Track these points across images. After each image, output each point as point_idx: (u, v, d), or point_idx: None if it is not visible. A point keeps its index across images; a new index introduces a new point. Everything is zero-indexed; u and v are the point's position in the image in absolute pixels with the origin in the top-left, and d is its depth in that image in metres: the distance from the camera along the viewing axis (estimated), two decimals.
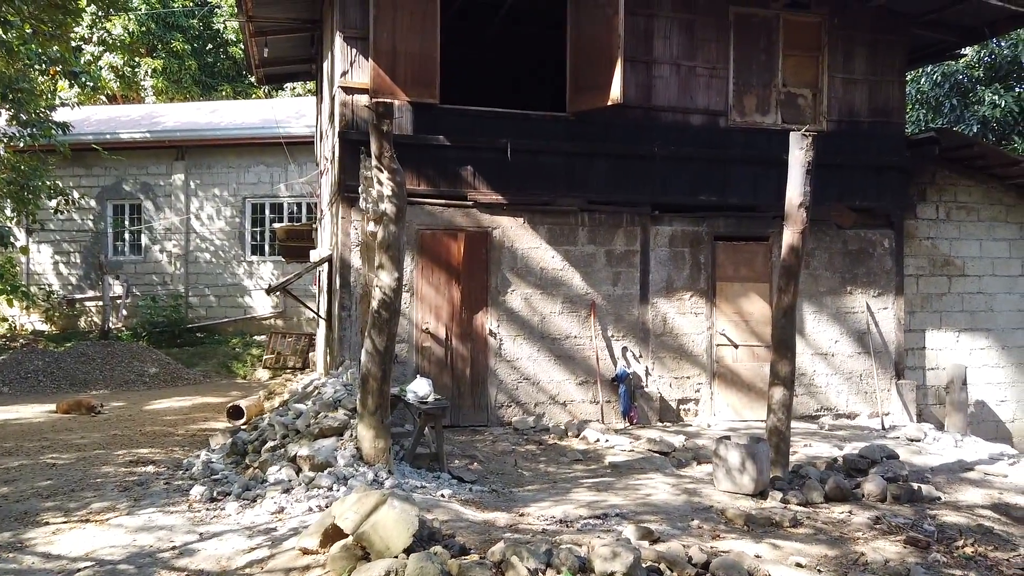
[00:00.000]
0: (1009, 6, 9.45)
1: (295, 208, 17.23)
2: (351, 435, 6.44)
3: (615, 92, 8.71)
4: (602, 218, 9.56)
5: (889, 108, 10.33)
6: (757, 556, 4.82)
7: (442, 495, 6.01)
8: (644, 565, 4.11)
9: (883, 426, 9.66)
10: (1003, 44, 12.90)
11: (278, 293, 14.58)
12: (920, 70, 14.13)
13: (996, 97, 12.60)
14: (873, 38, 10.21)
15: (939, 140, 10.12)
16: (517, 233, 9.31)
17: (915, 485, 6.93)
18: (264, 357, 15.24)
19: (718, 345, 9.92)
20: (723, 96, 9.85)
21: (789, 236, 7.01)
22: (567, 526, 5.39)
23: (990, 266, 10.76)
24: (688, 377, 9.85)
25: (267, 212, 17.25)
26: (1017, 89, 12.44)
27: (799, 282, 10.00)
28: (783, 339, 7.16)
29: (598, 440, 8.59)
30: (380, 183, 6.26)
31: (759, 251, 10.00)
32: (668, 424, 9.63)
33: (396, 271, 6.19)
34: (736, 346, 9.94)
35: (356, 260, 8.74)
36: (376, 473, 6.04)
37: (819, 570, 4.68)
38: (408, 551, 3.92)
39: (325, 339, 11.06)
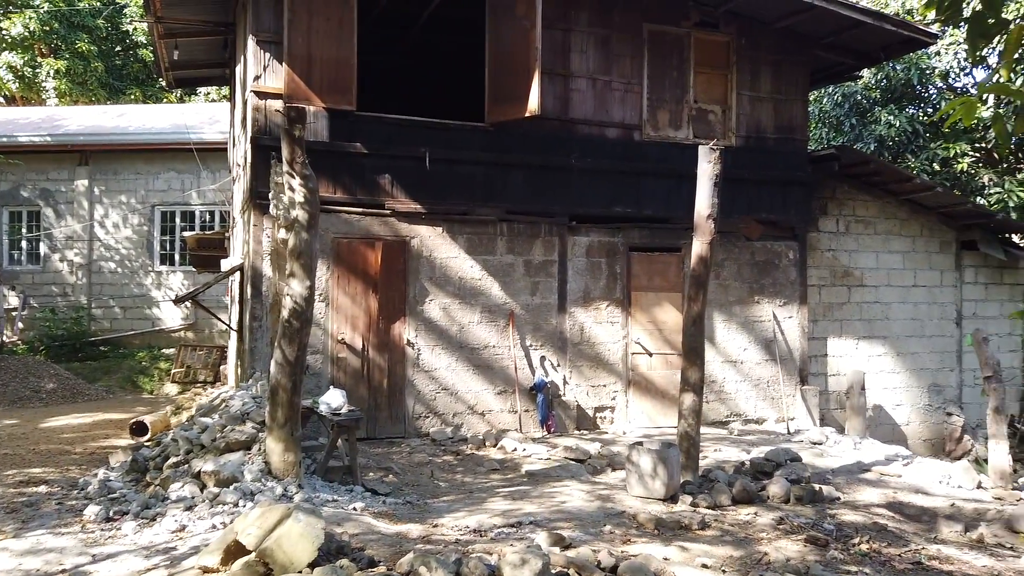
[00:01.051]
0: (901, 31, 10.06)
1: (207, 216, 16.67)
2: (259, 449, 6.24)
3: (533, 104, 8.81)
4: (520, 228, 9.63)
5: (793, 125, 10.81)
6: (666, 559, 4.92)
7: (354, 508, 5.89)
8: (554, 571, 4.13)
9: (788, 430, 10.04)
10: (898, 67, 13.71)
11: (188, 304, 14.05)
12: (822, 90, 14.87)
13: (891, 117, 13.38)
14: (778, 58, 10.69)
15: (839, 157, 10.65)
16: (436, 242, 9.27)
17: (816, 486, 7.22)
18: (173, 371, 14.63)
19: (633, 353, 10.12)
20: (637, 110, 10.10)
21: (698, 246, 7.22)
22: (481, 536, 5.37)
23: (886, 276, 11.37)
24: (604, 385, 10.00)
25: (177, 220, 16.61)
26: (910, 110, 13.24)
27: (708, 291, 10.34)
28: (693, 346, 7.35)
29: (515, 449, 8.61)
30: (292, 189, 6.13)
31: (672, 262, 10.27)
32: (585, 432, 9.74)
33: (308, 279, 6.05)
34: (650, 354, 10.16)
35: (268, 269, 8.51)
36: (285, 488, 5.88)
37: (723, 570, 4.81)
38: (313, 565, 3.82)
39: (236, 351, 10.71)
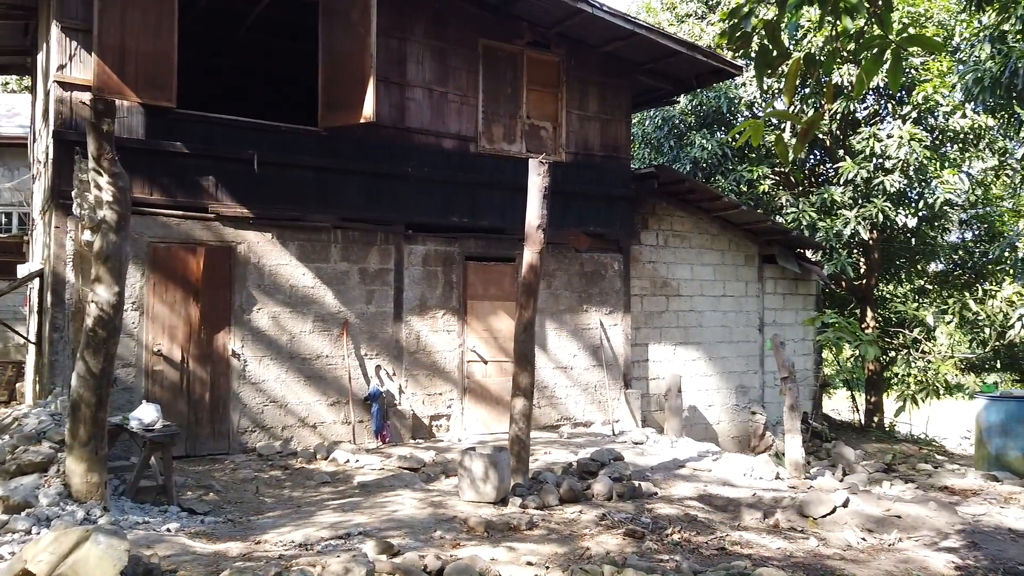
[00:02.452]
0: (711, 62, 10.99)
1: (3, 218, 14.99)
2: (58, 470, 5.69)
3: (368, 110, 8.74)
4: (356, 236, 9.48)
5: (618, 144, 11.47)
6: (493, 559, 5.02)
7: (167, 529, 5.52)
8: None
9: (613, 432, 10.59)
10: (710, 95, 14.95)
11: None
12: (644, 113, 15.91)
13: (704, 141, 14.56)
14: (604, 81, 11.31)
15: (658, 175, 11.43)
16: (265, 249, 8.92)
17: (636, 483, 7.66)
18: None
19: (469, 361, 10.25)
20: (473, 123, 10.29)
21: (528, 256, 7.46)
22: (307, 549, 5.21)
23: (699, 287, 12.32)
24: (441, 393, 10.05)
25: None
26: (720, 135, 14.46)
27: (540, 300, 10.66)
28: (524, 353, 7.57)
29: (348, 461, 8.43)
30: (99, 188, 5.67)
31: (507, 271, 10.53)
32: (421, 441, 9.72)
33: (116, 285, 5.62)
34: (486, 362, 10.34)
35: (71, 274, 7.79)
36: (88, 511, 5.39)
37: (547, 567, 4.98)
38: None
39: (35, 366, 9.69)
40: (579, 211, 10.96)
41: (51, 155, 8.05)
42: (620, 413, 11.21)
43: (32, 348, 10.09)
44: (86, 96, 7.80)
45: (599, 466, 8.13)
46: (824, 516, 7.12)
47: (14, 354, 14.22)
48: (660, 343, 11.90)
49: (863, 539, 6.66)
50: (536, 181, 7.43)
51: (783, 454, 10.39)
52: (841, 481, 9.74)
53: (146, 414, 6.45)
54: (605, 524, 6.37)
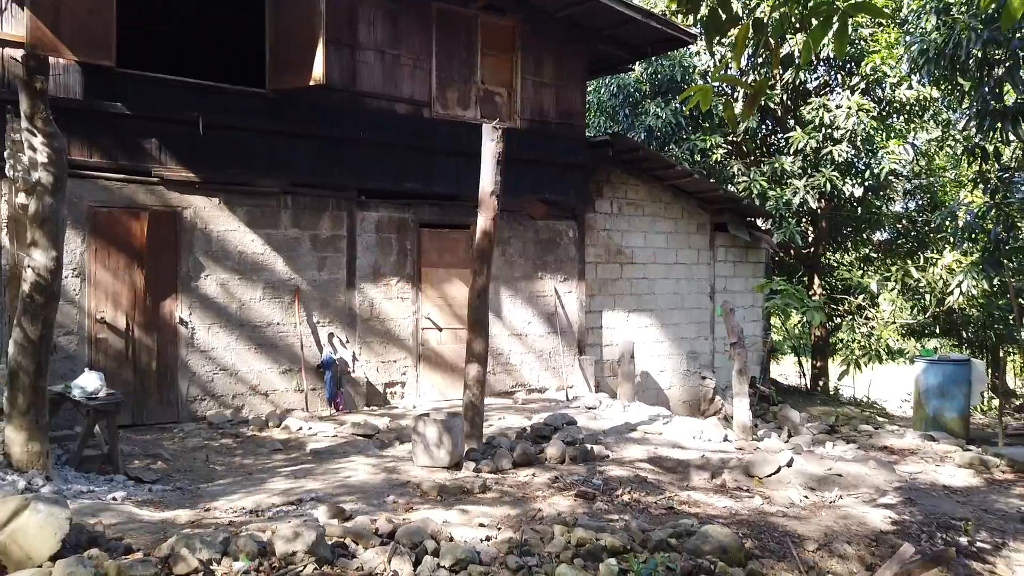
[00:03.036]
0: (665, 29, 10.98)
1: None
2: None
3: (317, 72, 8.53)
4: (307, 201, 9.31)
5: (573, 112, 11.43)
6: (446, 522, 5.06)
7: (113, 498, 5.43)
8: (330, 541, 4.10)
9: (567, 397, 10.71)
10: (664, 63, 14.97)
11: None
12: (600, 81, 15.86)
13: (659, 109, 14.61)
14: (559, 47, 11.22)
15: (613, 143, 11.45)
16: (212, 214, 8.70)
17: (589, 446, 7.77)
18: None
19: (424, 329, 10.22)
20: (427, 87, 10.13)
21: (482, 222, 7.42)
22: (258, 516, 5.18)
23: (652, 255, 12.45)
24: (395, 361, 10.01)
25: None
26: (675, 104, 14.53)
27: (496, 268, 10.65)
28: (477, 319, 7.58)
29: (301, 429, 8.37)
30: (33, 149, 5.44)
31: (461, 239, 10.48)
32: (375, 408, 9.70)
33: (53, 249, 5.43)
34: (440, 329, 10.32)
35: (7, 239, 7.50)
36: (30, 480, 5.26)
37: (499, 528, 5.05)
38: (56, 558, 3.47)
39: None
40: (534, 178, 10.92)
41: None
42: (574, 379, 11.34)
43: None
44: (18, 53, 7.44)
45: (552, 430, 8.23)
46: (769, 476, 7.34)
47: None
48: (614, 310, 12.02)
49: (806, 497, 6.89)
50: (490, 147, 7.37)
51: (732, 417, 10.66)
52: (786, 442, 10.06)
53: (89, 382, 6.29)
54: (557, 486, 6.46)
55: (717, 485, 7.18)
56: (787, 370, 22.57)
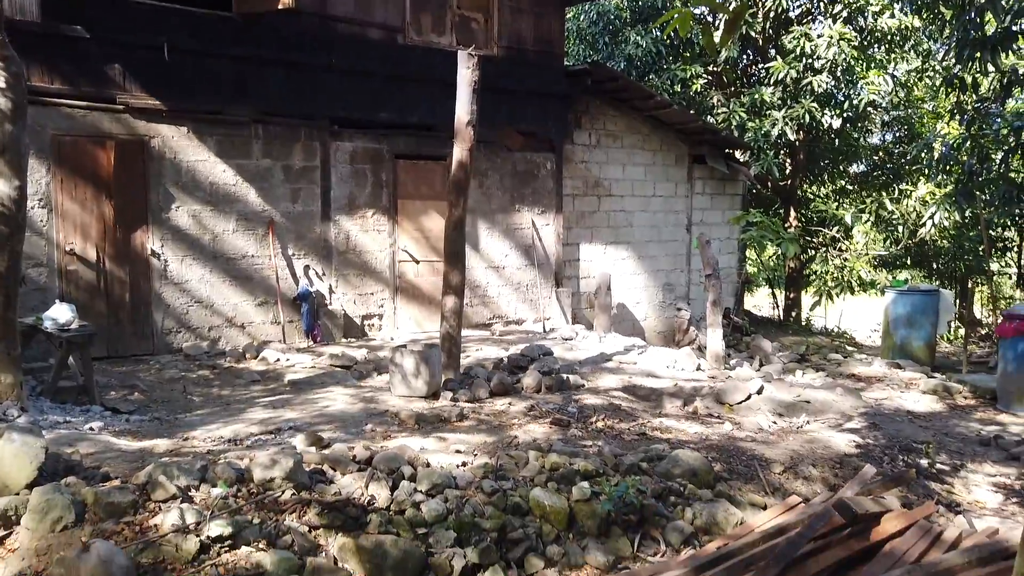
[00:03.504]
0: None
1: None
2: None
3: None
4: (278, 131, 9.10)
5: (551, 39, 11.16)
6: (423, 449, 5.16)
7: (91, 428, 5.45)
8: (308, 468, 4.16)
9: (544, 329, 10.82)
10: None
11: None
12: (580, 8, 15.43)
13: (639, 38, 14.30)
14: None
15: (592, 72, 11.23)
16: (181, 144, 8.48)
17: (565, 376, 7.89)
18: None
19: (400, 261, 10.18)
20: (400, 12, 9.81)
21: (458, 153, 7.32)
22: (236, 444, 5.23)
23: (630, 187, 12.40)
24: (372, 293, 10.00)
25: None
26: (656, 32, 14.22)
27: (472, 200, 10.57)
28: (454, 251, 7.56)
29: (278, 360, 8.40)
30: None
31: (438, 170, 10.34)
32: (353, 340, 9.73)
33: (17, 179, 5.28)
34: (417, 262, 10.29)
35: None
36: (4, 412, 5.26)
37: (475, 454, 5.15)
38: (32, 486, 3.50)
39: None
40: (512, 108, 10.73)
41: None
42: (551, 311, 11.42)
43: None
44: None
45: (529, 361, 8.33)
46: (740, 403, 7.53)
47: None
48: (591, 243, 12.03)
49: (774, 423, 7.10)
50: (465, 75, 7.21)
51: (705, 347, 10.86)
52: (758, 371, 10.28)
53: (60, 313, 6.23)
54: (533, 415, 6.58)
55: (689, 412, 7.36)
56: (762, 302, 22.90)
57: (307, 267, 9.44)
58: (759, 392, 7.76)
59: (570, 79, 11.29)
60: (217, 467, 3.93)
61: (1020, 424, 7.86)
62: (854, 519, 3.53)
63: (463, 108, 7.23)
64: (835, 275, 14.40)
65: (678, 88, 14.37)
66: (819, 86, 13.39)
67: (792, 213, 16.59)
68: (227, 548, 3.37)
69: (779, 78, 13.82)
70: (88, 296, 7.99)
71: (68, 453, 4.32)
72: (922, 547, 3.55)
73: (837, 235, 15.16)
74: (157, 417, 6.27)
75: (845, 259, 14.63)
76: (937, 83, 14.20)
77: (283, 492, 3.79)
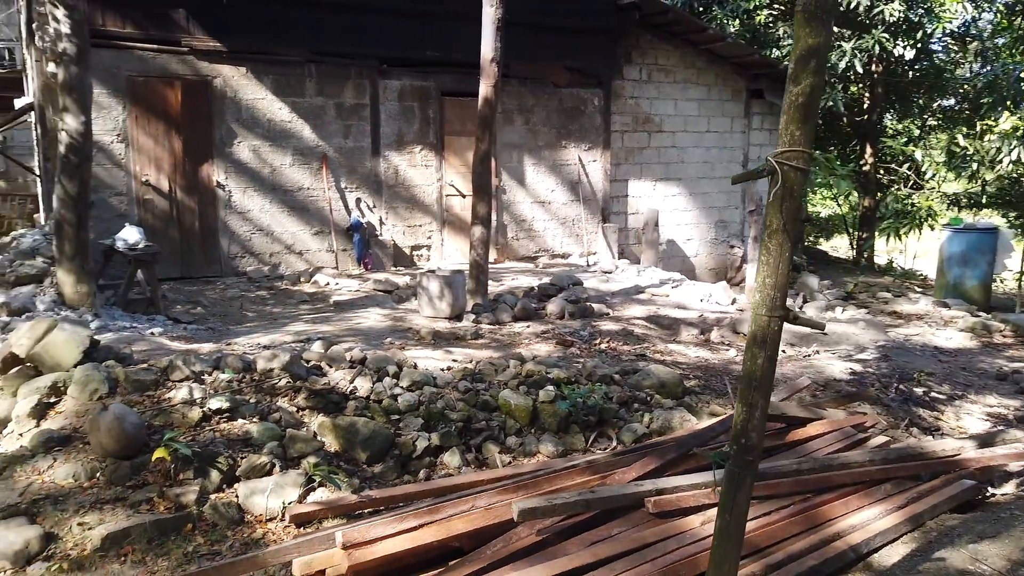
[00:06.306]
0: None
1: (7, 53, 15.25)
2: (51, 282, 6.46)
3: None
4: (330, 70, 9.69)
5: None
6: (427, 357, 5.74)
7: (151, 333, 6.32)
8: (308, 364, 4.83)
9: (587, 263, 11.18)
10: None
11: None
12: None
13: None
14: None
15: (640, 6, 11.18)
16: (241, 83, 9.22)
17: (590, 305, 8.29)
18: None
19: (447, 195, 10.72)
20: None
21: (484, 89, 7.70)
22: (267, 349, 5.98)
23: (683, 123, 12.39)
24: (420, 225, 10.62)
25: None
26: None
27: (518, 135, 10.94)
28: (481, 184, 8.01)
29: (328, 284, 9.18)
30: (56, 20, 5.99)
31: None
32: (401, 268, 10.42)
33: (83, 115, 6.09)
34: (464, 196, 10.79)
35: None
36: (80, 316, 6.19)
37: (471, 362, 5.70)
38: (78, 365, 4.30)
39: (43, 195, 10.40)
40: (558, 44, 10.91)
41: None
42: (597, 246, 11.73)
43: (38, 180, 10.76)
44: None
45: (557, 290, 8.77)
46: None
47: (32, 188, 15.00)
48: (640, 179, 12.18)
49: (783, 351, 7.31)
50: (489, 12, 7.53)
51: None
52: (800, 308, 10.34)
53: (130, 235, 7.13)
54: (545, 336, 7.06)
55: (702, 340, 7.64)
56: (842, 243, 22.26)
57: (359, 200, 10.13)
58: None
59: (619, 13, 11.30)
60: (229, 358, 4.64)
61: None
62: None
63: (487, 45, 7.57)
64: (905, 212, 13.94)
65: (740, 20, 14.02)
66: (891, 15, 12.79)
67: (868, 149, 16.02)
68: (225, 419, 4.08)
69: (850, 7, 13.26)
70: (162, 223, 8.96)
71: (122, 348, 5.15)
72: (837, 447, 3.86)
73: (908, 172, 14.61)
74: (211, 327, 7.14)
75: (914, 198, 14.12)
76: (1018, 9, 13.26)
77: (280, 380, 4.47)
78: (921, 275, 16.16)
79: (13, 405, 4.08)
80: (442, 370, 5.22)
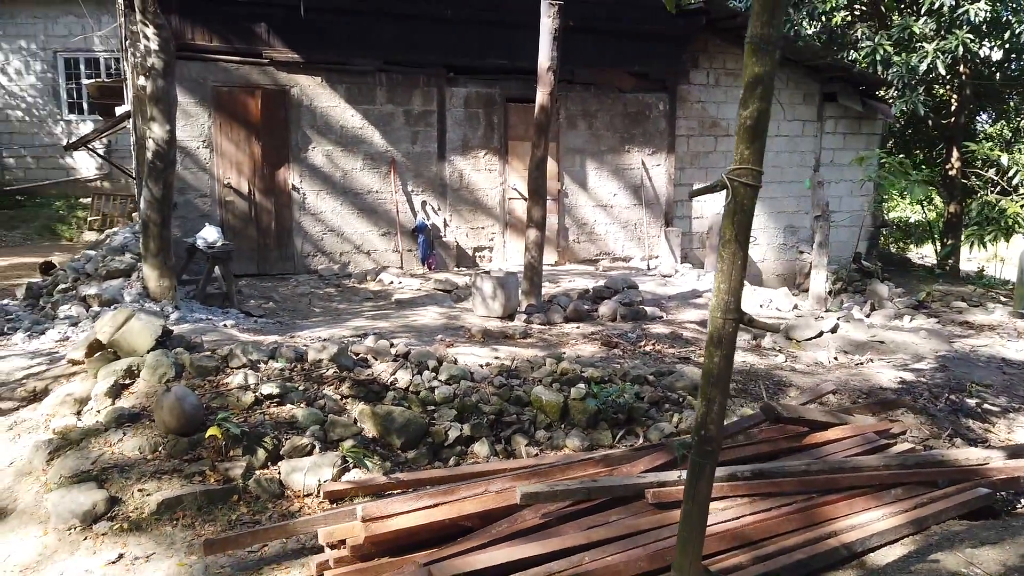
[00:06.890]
0: None
1: (113, 63, 16.51)
2: (138, 276, 7.09)
3: None
4: (399, 78, 10.14)
5: None
6: (471, 354, 6.02)
7: (224, 324, 6.86)
8: (355, 356, 5.19)
9: (648, 267, 11.25)
10: None
11: (94, 152, 14.34)
12: None
13: None
14: None
15: (708, 10, 11.18)
16: (316, 91, 9.78)
17: (643, 308, 8.41)
18: (90, 219, 15.10)
19: (510, 199, 11.01)
20: None
21: (540, 96, 7.95)
22: (327, 342, 6.40)
23: None
24: (483, 227, 10.95)
25: (82, 67, 16.44)
26: None
27: (581, 140, 11.13)
28: (536, 188, 8.26)
29: (392, 283, 9.62)
30: (147, 38, 6.60)
31: None
32: (464, 269, 10.77)
33: (168, 123, 6.67)
34: (526, 199, 11.03)
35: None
36: (162, 308, 6.79)
37: (510, 359, 5.94)
38: (151, 351, 4.79)
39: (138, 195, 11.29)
40: (622, 50, 11.03)
41: (121, 5, 9.04)
42: (660, 250, 11.77)
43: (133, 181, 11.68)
44: None
45: (612, 292, 8.90)
46: (809, 339, 7.70)
47: (132, 188, 16.19)
48: (705, 183, 12.10)
49: (835, 359, 7.24)
50: (547, 23, 7.76)
51: (830, 293, 10.76)
52: (868, 316, 10.12)
53: (209, 234, 7.73)
54: (592, 337, 7.23)
55: (753, 345, 7.64)
56: (930, 250, 21.36)
57: (424, 202, 10.54)
58: (833, 331, 7.87)
59: (685, 18, 11.31)
60: (283, 348, 5.06)
61: None
62: (776, 419, 3.94)
63: (544, 54, 7.81)
64: (990, 219, 13.33)
65: (817, 23, 13.74)
66: (976, 15, 12.29)
67: (955, 153, 15.38)
68: (275, 403, 4.47)
69: (933, 7, 12.81)
70: (242, 223, 9.60)
71: (195, 338, 5.66)
72: (855, 452, 3.91)
73: (995, 177, 13.95)
74: (280, 321, 7.65)
75: (1001, 204, 13.48)
76: None
77: (327, 370, 4.84)
78: (1010, 285, 15.39)
79: (94, 385, 4.59)
80: (480, 366, 5.49)
